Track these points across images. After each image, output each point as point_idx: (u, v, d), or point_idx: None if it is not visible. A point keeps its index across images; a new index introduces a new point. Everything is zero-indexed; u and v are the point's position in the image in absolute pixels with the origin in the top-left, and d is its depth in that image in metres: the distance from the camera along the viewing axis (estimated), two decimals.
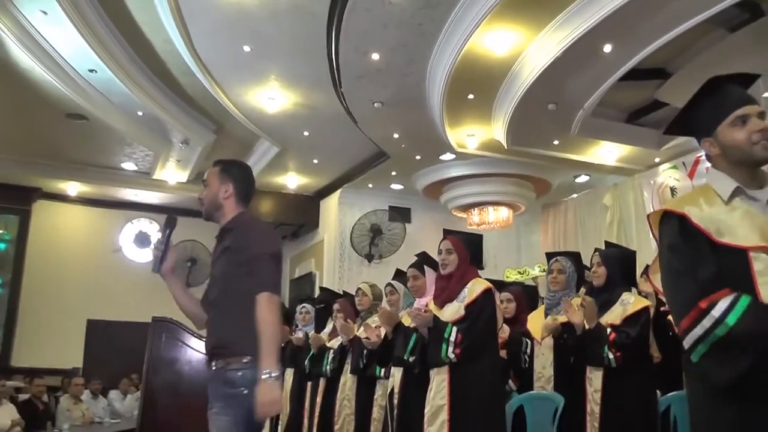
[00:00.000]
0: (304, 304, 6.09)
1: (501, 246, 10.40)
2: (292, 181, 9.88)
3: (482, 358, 3.56)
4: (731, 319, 1.63)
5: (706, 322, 1.66)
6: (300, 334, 5.65)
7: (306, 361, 5.34)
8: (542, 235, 10.36)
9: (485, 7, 5.01)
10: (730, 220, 1.78)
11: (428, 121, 7.23)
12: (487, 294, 3.61)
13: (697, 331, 1.68)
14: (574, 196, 9.87)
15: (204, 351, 2.55)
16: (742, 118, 1.83)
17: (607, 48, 5.30)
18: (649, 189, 8.35)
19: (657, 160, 8.15)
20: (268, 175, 9.49)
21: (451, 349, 3.50)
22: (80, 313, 10.08)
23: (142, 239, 11.00)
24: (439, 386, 3.56)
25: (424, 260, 4.28)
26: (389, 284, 4.78)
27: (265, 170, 9.21)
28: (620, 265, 3.92)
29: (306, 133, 7.91)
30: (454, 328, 3.51)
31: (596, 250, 4.03)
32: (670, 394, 3.82)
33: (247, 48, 5.83)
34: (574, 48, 5.19)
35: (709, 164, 1.97)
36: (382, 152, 8.27)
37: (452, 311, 3.64)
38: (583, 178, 9.37)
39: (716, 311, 1.65)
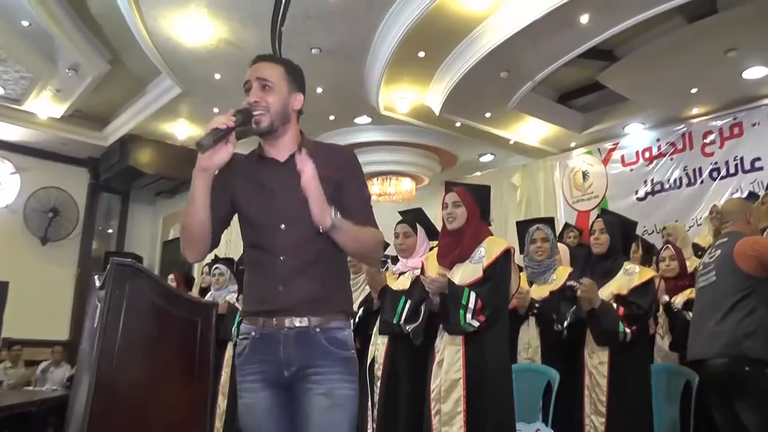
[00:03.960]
0: (217, 265, 5.41)
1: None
2: (181, 130, 8.85)
3: (496, 326, 3.23)
4: None
5: None
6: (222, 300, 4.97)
7: (234, 329, 4.68)
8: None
9: None
10: None
11: (361, 76, 6.75)
12: (507, 255, 3.25)
13: None
14: (477, 174, 9.84)
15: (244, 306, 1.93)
16: None
17: (584, 18, 5.13)
18: (560, 170, 8.49)
19: (573, 144, 8.28)
20: (156, 121, 8.44)
21: (470, 315, 3.11)
22: None
23: None
24: (453, 358, 3.17)
25: (417, 217, 3.88)
26: None
27: (155, 115, 8.19)
28: (621, 233, 3.74)
29: (217, 76, 7.06)
30: (472, 294, 3.12)
31: (598, 216, 3.83)
32: None
33: None
34: (556, 12, 4.95)
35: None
36: None
37: (467, 273, 3.25)
38: (487, 158, 9.37)
39: None
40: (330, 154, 1.97)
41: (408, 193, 9.45)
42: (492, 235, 3.42)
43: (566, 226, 6.69)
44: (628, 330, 3.37)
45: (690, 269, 4.32)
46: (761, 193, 5.95)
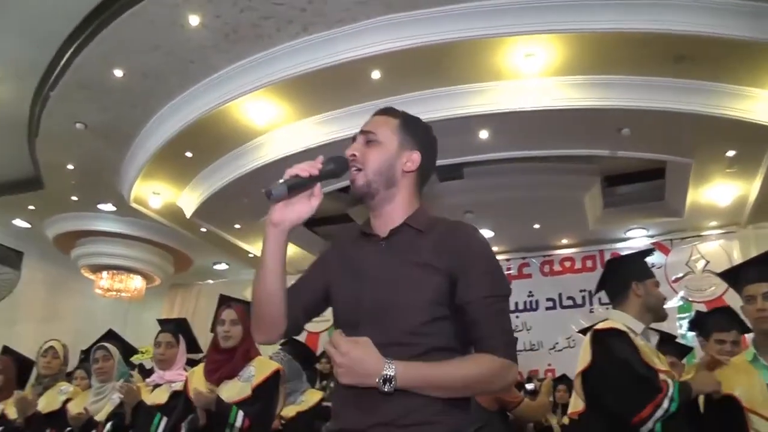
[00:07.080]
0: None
1: (116, 316, 9.32)
2: None
3: None
4: None
5: None
6: None
7: None
8: (165, 315, 9.68)
9: (262, 80, 4.89)
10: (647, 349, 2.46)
11: (120, 163, 6.41)
12: (276, 376, 3.27)
13: None
14: (210, 281, 9.63)
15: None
16: (657, 282, 2.66)
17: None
18: None
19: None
20: None
21: None
22: None
23: None
24: None
25: (180, 328, 3.69)
26: (102, 347, 3.89)
27: None
28: None
29: None
30: (240, 412, 3.05)
31: None
32: None
33: None
34: (331, 145, 5.28)
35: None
36: (38, 180, 6.86)
37: (235, 390, 3.17)
38: (222, 266, 9.31)
39: None
40: (447, 234, 1.44)
41: (137, 291, 8.90)
42: (260, 355, 3.39)
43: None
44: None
45: None
46: None
